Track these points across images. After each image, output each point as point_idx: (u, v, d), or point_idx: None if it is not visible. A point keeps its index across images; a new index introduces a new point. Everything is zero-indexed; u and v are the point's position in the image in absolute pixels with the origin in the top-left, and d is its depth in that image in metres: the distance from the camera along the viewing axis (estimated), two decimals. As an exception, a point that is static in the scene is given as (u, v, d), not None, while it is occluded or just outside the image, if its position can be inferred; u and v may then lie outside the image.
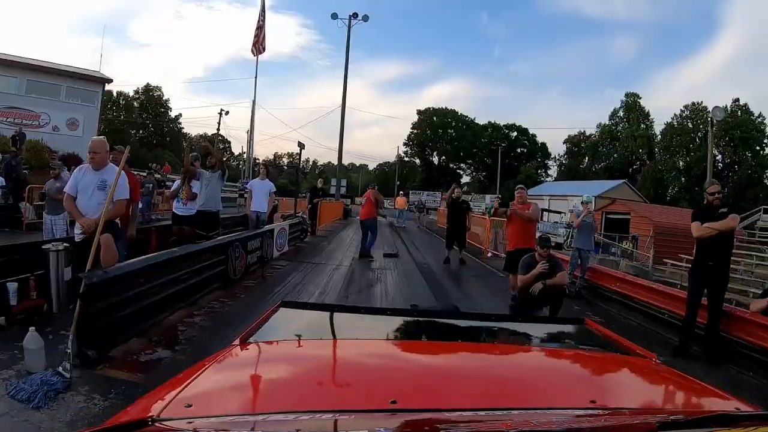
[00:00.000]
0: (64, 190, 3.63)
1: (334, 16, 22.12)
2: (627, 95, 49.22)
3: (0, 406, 2.17)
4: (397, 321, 1.46)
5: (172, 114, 50.23)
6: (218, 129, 32.98)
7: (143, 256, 3.64)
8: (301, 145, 11.38)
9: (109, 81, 21.73)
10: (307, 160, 66.89)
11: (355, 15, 21.97)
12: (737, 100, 41.21)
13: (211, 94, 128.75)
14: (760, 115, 40.03)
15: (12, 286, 3.32)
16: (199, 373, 0.87)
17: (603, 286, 5.73)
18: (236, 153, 51.67)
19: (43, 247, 3.68)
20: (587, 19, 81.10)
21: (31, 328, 2.60)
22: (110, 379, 2.56)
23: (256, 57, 22.64)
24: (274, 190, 7.64)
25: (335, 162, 33.42)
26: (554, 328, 1.56)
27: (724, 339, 3.70)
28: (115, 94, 44.08)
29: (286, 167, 52.52)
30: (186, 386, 0.80)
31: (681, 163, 43.05)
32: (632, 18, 75.45)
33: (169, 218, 6.18)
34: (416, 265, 7.81)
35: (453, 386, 0.88)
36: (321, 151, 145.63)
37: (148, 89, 49.10)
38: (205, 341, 3.31)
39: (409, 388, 0.84)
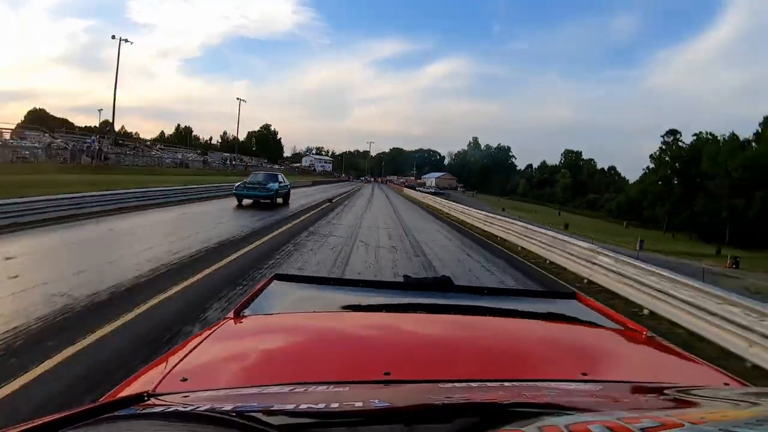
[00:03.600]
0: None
1: None
2: (473, 138, 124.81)
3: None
4: (391, 293, 1.49)
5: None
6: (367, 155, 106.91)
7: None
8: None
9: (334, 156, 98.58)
10: (332, 153, 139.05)
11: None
12: (500, 143, 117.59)
13: (207, 73, 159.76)
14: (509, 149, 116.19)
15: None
16: (193, 347, 0.91)
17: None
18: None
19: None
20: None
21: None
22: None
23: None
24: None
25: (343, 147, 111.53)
26: (546, 301, 1.58)
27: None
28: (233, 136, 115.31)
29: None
30: (180, 361, 0.83)
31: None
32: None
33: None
34: (378, 185, 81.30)
35: (446, 358, 0.92)
36: (320, 133, 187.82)
37: (266, 127, 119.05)
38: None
39: (402, 360, 0.87)
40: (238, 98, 60.71)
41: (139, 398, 0.64)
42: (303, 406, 0.54)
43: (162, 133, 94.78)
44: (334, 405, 0.55)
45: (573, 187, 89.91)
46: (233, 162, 52.31)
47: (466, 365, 0.87)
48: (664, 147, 45.11)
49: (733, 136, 52.46)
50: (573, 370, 0.85)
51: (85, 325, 3.68)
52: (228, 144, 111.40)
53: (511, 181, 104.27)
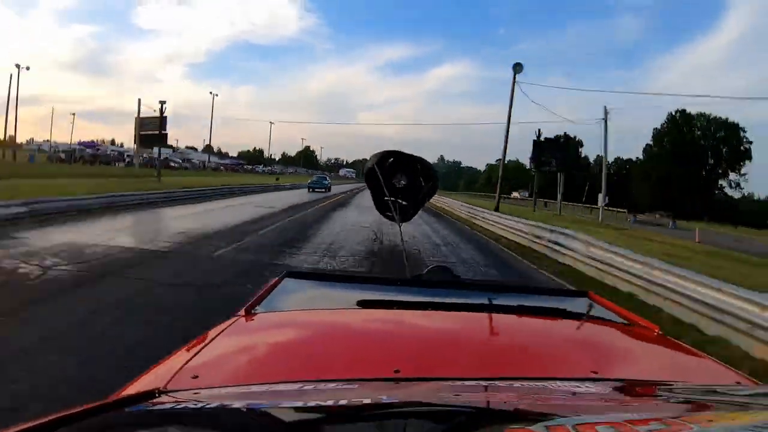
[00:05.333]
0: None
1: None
2: (440, 155, 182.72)
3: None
4: (402, 291, 1.51)
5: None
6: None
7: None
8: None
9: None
10: (346, 162, 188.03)
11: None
12: (454, 159, 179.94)
13: (209, 78, 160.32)
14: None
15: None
16: (204, 344, 0.91)
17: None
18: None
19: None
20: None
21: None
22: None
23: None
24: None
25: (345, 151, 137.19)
26: (557, 299, 1.59)
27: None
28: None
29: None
30: (192, 358, 0.84)
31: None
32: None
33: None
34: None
35: (456, 355, 0.91)
36: (326, 134, 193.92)
37: (307, 147, 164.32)
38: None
39: (412, 358, 0.87)
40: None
41: (149, 395, 0.64)
42: (312, 403, 0.54)
43: (247, 151, 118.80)
44: (343, 402, 0.55)
45: (489, 185, 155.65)
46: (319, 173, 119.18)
47: (477, 363, 0.87)
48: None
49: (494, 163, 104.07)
50: (583, 368, 0.84)
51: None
52: (285, 158, 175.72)
53: (457, 182, 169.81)
